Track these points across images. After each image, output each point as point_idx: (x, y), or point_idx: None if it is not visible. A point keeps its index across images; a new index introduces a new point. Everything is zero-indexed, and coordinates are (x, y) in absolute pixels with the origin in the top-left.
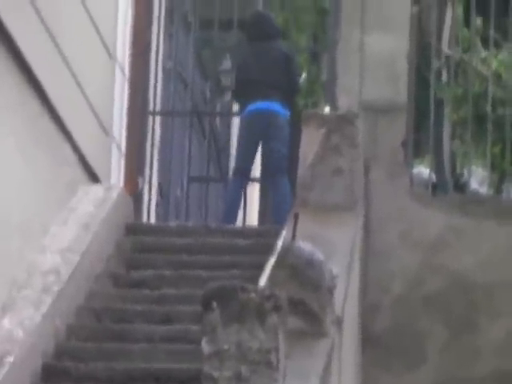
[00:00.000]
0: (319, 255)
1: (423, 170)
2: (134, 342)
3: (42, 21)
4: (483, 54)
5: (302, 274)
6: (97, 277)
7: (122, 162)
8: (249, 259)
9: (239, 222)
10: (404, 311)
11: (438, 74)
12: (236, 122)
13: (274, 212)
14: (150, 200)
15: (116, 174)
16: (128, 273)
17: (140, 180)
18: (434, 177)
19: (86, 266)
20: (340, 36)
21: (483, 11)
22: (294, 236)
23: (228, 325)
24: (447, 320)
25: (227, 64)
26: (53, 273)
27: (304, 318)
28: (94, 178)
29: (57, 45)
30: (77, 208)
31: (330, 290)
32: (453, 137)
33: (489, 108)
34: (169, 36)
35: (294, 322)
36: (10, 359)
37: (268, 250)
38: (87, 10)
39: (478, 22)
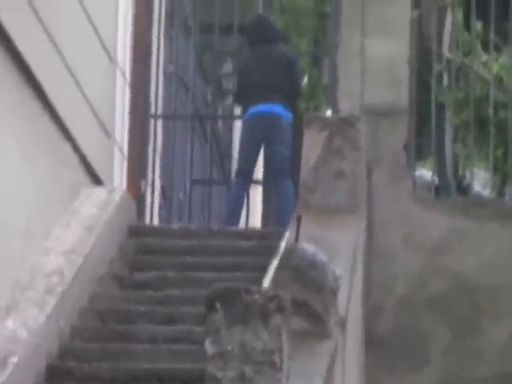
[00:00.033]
0: (322, 257)
1: (425, 173)
2: (138, 342)
3: (40, 21)
4: (484, 57)
5: (306, 276)
6: (100, 278)
7: (125, 165)
8: (252, 261)
9: (242, 224)
10: (407, 313)
11: (439, 78)
12: (238, 125)
13: (277, 214)
14: (152, 203)
15: (118, 176)
16: (131, 274)
17: (142, 183)
18: (436, 179)
19: (90, 267)
20: (341, 40)
21: (483, 15)
22: (297, 238)
23: (232, 326)
24: (450, 322)
25: (228, 68)
26: (56, 274)
27: (307, 319)
28: (96, 180)
29: (57, 47)
30: (80, 210)
31: (334, 292)
32: (455, 140)
33: (491, 111)
34: (169, 40)
35: (297, 323)
36: (14, 360)
37: (271, 251)
38: (88, 15)
39: (478, 26)
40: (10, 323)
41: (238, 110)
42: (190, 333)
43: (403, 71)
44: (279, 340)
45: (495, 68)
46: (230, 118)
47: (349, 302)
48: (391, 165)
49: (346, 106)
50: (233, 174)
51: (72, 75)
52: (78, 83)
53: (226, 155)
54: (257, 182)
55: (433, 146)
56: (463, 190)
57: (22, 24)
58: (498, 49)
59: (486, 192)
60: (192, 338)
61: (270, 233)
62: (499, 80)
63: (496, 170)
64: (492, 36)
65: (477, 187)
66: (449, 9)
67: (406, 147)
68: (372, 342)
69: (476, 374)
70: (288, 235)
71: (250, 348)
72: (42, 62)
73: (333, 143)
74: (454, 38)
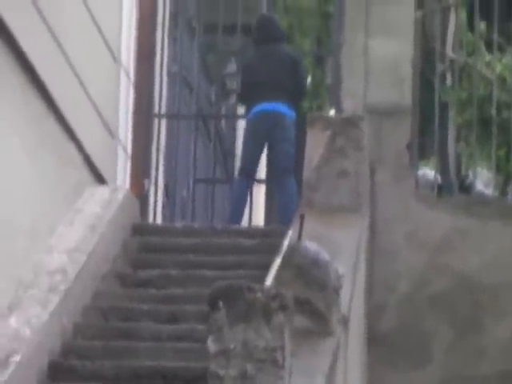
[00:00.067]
0: (325, 255)
1: (428, 172)
2: (141, 340)
3: (45, 21)
4: (487, 57)
5: (308, 274)
6: (103, 276)
7: (128, 164)
8: (255, 259)
9: (245, 223)
10: (410, 311)
11: (443, 78)
12: (241, 124)
13: (281, 212)
14: (155, 201)
15: (122, 175)
16: (135, 272)
17: (146, 182)
18: (439, 178)
19: (93, 265)
20: (344, 40)
21: (487, 16)
22: (299, 236)
23: (234, 324)
24: (453, 320)
25: (232, 68)
26: (59, 272)
27: (310, 317)
28: (100, 179)
29: (61, 47)
30: (83, 209)
31: (336, 290)
32: (458, 139)
33: (494, 111)
34: (173, 40)
35: (300, 321)
36: (17, 358)
37: (274, 250)
38: (92, 15)
39: (481, 26)
40: (13, 321)
41: (241, 110)
42: (192, 331)
43: (407, 71)
44: (281, 338)
45: (498, 68)
46: (233, 118)
47: (351, 300)
48: (394, 164)
49: (350, 105)
50: (236, 173)
51: (76, 75)
52: (82, 83)
53: (229, 154)
54: (260, 181)
55: (436, 146)
56: (466, 188)
57: (26, 24)
58: (501, 49)
59: (489, 191)
60: (195, 336)
61: (272, 231)
62: (502, 80)
63: (499, 169)
64: (495, 36)
65: (479, 186)
66: (452, 9)
67: (409, 146)
68: (375, 339)
69: (478, 372)
70: (291, 234)
71: (253, 346)
72: (46, 61)
73: (336, 143)
74: (457, 38)
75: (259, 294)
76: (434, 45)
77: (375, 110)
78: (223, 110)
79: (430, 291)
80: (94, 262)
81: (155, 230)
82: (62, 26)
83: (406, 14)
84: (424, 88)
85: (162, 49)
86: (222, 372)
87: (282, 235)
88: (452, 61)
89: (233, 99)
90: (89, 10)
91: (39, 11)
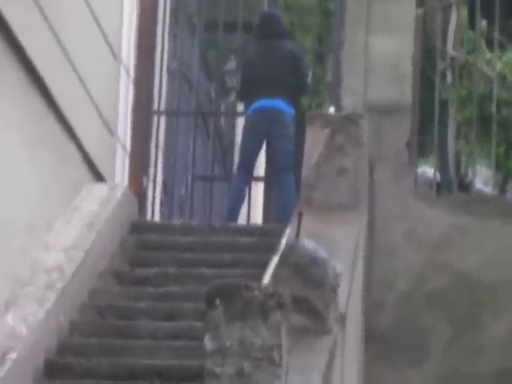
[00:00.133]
0: (323, 253)
1: (428, 170)
2: (138, 338)
3: (44, 17)
4: (488, 55)
5: (306, 272)
6: (100, 274)
7: (127, 162)
8: (252, 257)
9: (243, 221)
10: (408, 309)
11: (443, 76)
12: (240, 122)
13: (279, 211)
14: (154, 199)
15: (120, 173)
16: (132, 270)
17: (144, 179)
18: (438, 176)
19: (90, 263)
20: (345, 37)
21: (488, 14)
22: (297, 234)
23: (231, 322)
24: (451, 318)
25: (232, 65)
26: (56, 270)
27: (307, 315)
28: (98, 177)
29: (61, 43)
30: (81, 207)
31: (334, 288)
32: (457, 137)
33: (494, 109)
34: (173, 37)
35: (297, 320)
36: (13, 355)
37: (272, 248)
38: (92, 11)
39: (482, 24)
40: (9, 319)
41: (240, 107)
42: (190, 329)
43: (407, 69)
44: (278, 336)
45: (499, 66)
46: (232, 115)
47: (349, 298)
48: (393, 162)
49: (350, 103)
50: (234, 168)
51: (75, 71)
52: (81, 79)
53: (228, 152)
54: (258, 179)
55: (435, 144)
56: (465, 186)
57: (26, 19)
58: (502, 47)
59: (488, 189)
60: (192, 334)
61: (270, 229)
62: (503, 78)
63: (498, 167)
64: (496, 34)
65: (479, 184)
66: (453, 7)
67: (408, 144)
68: (372, 337)
69: (476, 370)
70: (289, 232)
71: (249, 344)
72: (46, 57)
73: (335, 140)
74: (458, 36)
75: (256, 292)
76: (434, 42)
77: (375, 108)
78: (223, 108)
79: (429, 289)
80: (91, 260)
81: (153, 228)
82: (62, 22)
83: (406, 12)
84: (424, 86)
85: (163, 45)
86: (218, 370)
87: (280, 233)
88: (452, 58)
89: (232, 97)
90: (88, 5)
91: (38, 6)
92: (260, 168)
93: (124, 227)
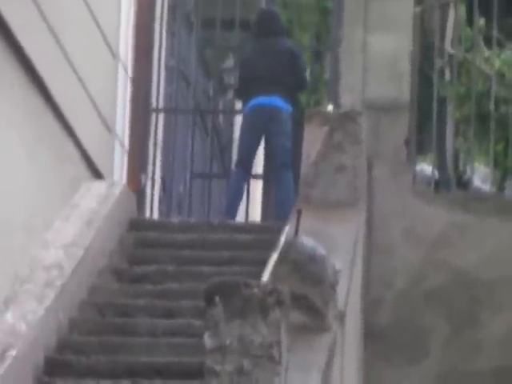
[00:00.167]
0: (322, 250)
1: (426, 168)
2: (137, 335)
3: (43, 16)
4: (486, 53)
5: (305, 269)
6: (99, 272)
7: (125, 159)
8: (251, 255)
9: (242, 219)
10: (406, 306)
11: (441, 73)
12: (238, 119)
13: (277, 208)
14: (152, 196)
15: (119, 170)
16: (131, 268)
17: (143, 177)
18: (436, 174)
19: (89, 261)
20: (343, 35)
21: (486, 12)
22: (296, 232)
23: (230, 319)
24: (449, 315)
25: (229, 63)
26: (56, 267)
27: (306, 312)
28: (97, 174)
29: (59, 43)
30: (79, 204)
31: (333, 285)
32: (456, 134)
33: (492, 107)
34: (171, 34)
35: (296, 317)
36: (13, 353)
37: (271, 245)
38: (90, 10)
39: (480, 21)
40: (8, 316)
41: (238, 105)
42: (189, 326)
43: (405, 66)
44: (278, 333)
45: (497, 63)
46: (230, 113)
47: (348, 296)
48: (392, 159)
49: (348, 100)
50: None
51: (74, 70)
52: (79, 78)
53: (226, 149)
54: (256, 177)
55: (434, 141)
56: (463, 184)
57: (25, 18)
58: (500, 44)
59: (486, 187)
60: (191, 332)
61: (269, 227)
62: (501, 75)
63: (496, 164)
64: (494, 32)
65: (477, 182)
66: (452, 4)
67: (406, 142)
68: (371, 335)
69: (475, 367)
70: (288, 229)
71: (249, 341)
72: (45, 57)
73: (333, 138)
74: (456, 34)
75: (256, 290)
76: (432, 40)
77: (373, 106)
78: (221, 105)
79: (427, 287)
80: (90, 258)
81: (152, 225)
82: (61, 21)
83: (405, 10)
84: (422, 83)
85: (160, 43)
86: (218, 367)
87: (279, 231)
88: (451, 56)
89: (230, 94)
90: (87, 5)
91: (37, 6)
92: (258, 166)
93: (123, 225)
